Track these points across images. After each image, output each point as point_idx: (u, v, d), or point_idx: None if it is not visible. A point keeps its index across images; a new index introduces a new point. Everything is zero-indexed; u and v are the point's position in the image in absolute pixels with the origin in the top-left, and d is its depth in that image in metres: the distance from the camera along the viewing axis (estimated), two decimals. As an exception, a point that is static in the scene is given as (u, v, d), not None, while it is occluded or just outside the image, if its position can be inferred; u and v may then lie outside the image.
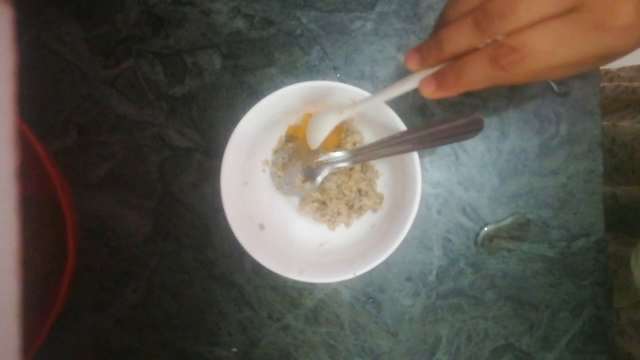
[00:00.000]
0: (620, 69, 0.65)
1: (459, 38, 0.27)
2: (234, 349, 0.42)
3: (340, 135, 0.40)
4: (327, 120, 0.35)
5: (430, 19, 0.42)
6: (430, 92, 0.29)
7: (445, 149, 0.42)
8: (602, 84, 0.61)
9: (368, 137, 0.40)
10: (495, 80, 0.27)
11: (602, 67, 0.52)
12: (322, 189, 0.40)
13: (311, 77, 0.42)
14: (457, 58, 0.28)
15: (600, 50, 0.25)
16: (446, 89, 0.29)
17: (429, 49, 0.29)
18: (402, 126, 0.35)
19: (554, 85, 0.42)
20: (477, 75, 0.27)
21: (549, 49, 0.25)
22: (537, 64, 0.25)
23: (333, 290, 0.42)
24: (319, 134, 0.35)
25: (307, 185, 0.39)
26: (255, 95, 0.42)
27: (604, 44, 0.24)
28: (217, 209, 0.42)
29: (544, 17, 0.24)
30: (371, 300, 0.42)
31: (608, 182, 0.52)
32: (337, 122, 0.35)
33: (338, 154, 0.38)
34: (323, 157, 0.38)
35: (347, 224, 0.41)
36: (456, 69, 0.28)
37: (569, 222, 0.42)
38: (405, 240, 0.35)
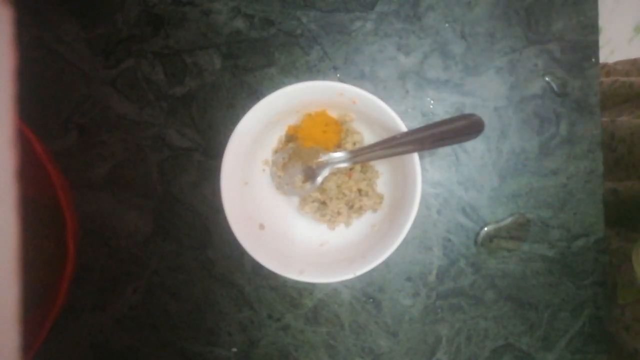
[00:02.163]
0: (616, 63, 0.65)
1: None
2: (234, 349, 0.42)
3: (340, 135, 0.40)
4: None
5: (430, 19, 0.42)
6: None
7: (445, 149, 0.42)
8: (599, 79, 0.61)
9: (368, 137, 0.40)
10: None
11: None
12: (322, 189, 0.40)
13: (311, 77, 0.42)
14: None
15: None
16: None
17: None
18: (402, 127, 0.35)
19: (554, 85, 0.42)
20: None
21: None
22: None
23: (333, 290, 0.42)
24: None
25: (307, 185, 0.39)
26: (255, 95, 0.42)
27: None
28: (217, 209, 0.42)
29: None
30: (371, 300, 0.42)
31: (609, 177, 0.52)
32: None
33: (338, 155, 0.38)
34: (323, 158, 0.38)
35: (347, 224, 0.41)
36: None
37: (569, 222, 0.42)
38: (405, 240, 0.35)
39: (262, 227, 0.39)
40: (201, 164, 0.42)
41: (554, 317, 0.42)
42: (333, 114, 0.40)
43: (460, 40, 0.42)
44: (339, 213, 0.40)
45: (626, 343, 0.44)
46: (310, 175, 0.39)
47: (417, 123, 0.42)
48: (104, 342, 0.42)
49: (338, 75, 0.42)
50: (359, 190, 0.40)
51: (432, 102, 0.42)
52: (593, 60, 0.42)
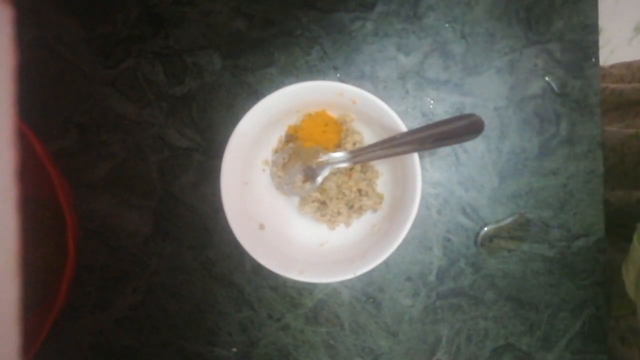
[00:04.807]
0: (612, 66, 0.65)
1: None
2: (234, 349, 0.42)
3: (340, 135, 0.40)
4: None
5: (430, 19, 0.42)
6: None
7: (445, 149, 0.42)
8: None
9: (368, 137, 0.40)
10: None
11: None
12: (322, 189, 0.40)
13: (311, 77, 0.42)
14: None
15: None
16: None
17: None
18: (402, 127, 0.35)
19: (554, 85, 0.42)
20: None
21: None
22: None
23: (333, 290, 0.42)
24: None
25: (307, 185, 0.39)
26: (255, 95, 0.42)
27: None
28: (217, 209, 0.42)
29: None
30: (371, 300, 0.42)
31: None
32: None
33: (338, 155, 0.38)
34: (323, 158, 0.38)
35: (347, 224, 0.41)
36: None
37: (569, 222, 0.42)
38: (405, 240, 0.35)
39: (262, 227, 0.39)
40: (201, 164, 0.42)
41: (554, 317, 0.42)
42: (333, 114, 0.40)
43: (460, 40, 0.42)
44: (339, 213, 0.40)
45: (621, 354, 0.44)
46: (310, 175, 0.39)
47: (417, 123, 0.42)
48: (104, 342, 0.42)
49: (338, 75, 0.42)
50: (359, 190, 0.40)
51: (432, 102, 0.42)
52: (593, 60, 0.42)
